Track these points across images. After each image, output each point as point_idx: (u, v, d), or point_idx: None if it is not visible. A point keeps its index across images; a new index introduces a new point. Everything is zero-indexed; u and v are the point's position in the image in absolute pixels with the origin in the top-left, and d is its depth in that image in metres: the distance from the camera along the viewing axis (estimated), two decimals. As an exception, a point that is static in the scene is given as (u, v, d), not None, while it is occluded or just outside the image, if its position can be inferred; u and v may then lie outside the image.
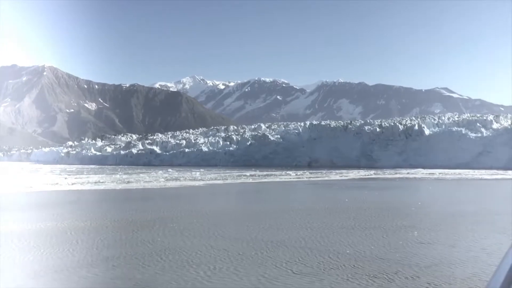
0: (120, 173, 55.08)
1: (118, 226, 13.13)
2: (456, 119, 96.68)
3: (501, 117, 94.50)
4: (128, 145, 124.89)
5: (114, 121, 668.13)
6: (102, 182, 35.74)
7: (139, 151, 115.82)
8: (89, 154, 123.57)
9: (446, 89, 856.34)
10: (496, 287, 1.61)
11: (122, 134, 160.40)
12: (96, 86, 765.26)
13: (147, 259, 8.81)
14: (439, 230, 12.09)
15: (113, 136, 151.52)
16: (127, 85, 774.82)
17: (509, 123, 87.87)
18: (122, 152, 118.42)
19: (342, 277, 7.52)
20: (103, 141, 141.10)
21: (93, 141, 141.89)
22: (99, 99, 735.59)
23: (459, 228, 12.39)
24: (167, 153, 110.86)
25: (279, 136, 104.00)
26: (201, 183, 35.35)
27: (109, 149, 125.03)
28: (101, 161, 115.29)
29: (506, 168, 69.63)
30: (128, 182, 35.88)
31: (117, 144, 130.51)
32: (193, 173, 53.22)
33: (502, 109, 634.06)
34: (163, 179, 39.52)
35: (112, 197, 24.14)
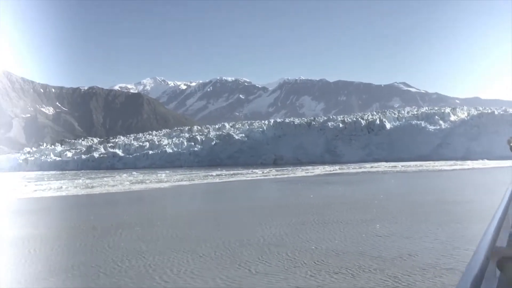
0: (83, 178, 53.80)
1: (80, 232, 12.83)
2: (415, 112, 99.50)
3: (457, 109, 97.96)
4: (89, 149, 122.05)
5: (73, 125, 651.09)
6: (64, 188, 34.88)
7: (101, 155, 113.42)
8: (49, 160, 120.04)
9: (404, 83, 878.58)
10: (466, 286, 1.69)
11: (82, 138, 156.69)
12: (53, 90, 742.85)
13: (108, 266, 8.64)
14: (398, 222, 12.41)
15: (73, 141, 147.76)
16: (86, 88, 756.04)
17: (466, 115, 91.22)
18: (83, 156, 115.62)
19: (303, 275, 7.53)
20: (62, 146, 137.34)
21: (52, 147, 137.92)
22: (57, 103, 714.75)
23: (417, 220, 12.72)
24: (131, 156, 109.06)
25: (243, 135, 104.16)
26: (167, 185, 35.01)
27: (69, 154, 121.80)
28: (62, 166, 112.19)
29: (464, 158, 72.21)
30: (92, 187, 35.11)
31: (77, 149, 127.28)
32: (159, 175, 52.63)
33: (458, 101, 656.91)
34: (128, 183, 38.90)
35: (75, 203, 23.57)
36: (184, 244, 10.44)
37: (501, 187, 21.93)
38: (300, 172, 49.26)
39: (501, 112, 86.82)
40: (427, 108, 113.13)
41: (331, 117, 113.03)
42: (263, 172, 49.81)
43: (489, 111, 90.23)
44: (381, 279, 7.09)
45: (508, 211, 3.86)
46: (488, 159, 66.04)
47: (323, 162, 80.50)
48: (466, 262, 6.80)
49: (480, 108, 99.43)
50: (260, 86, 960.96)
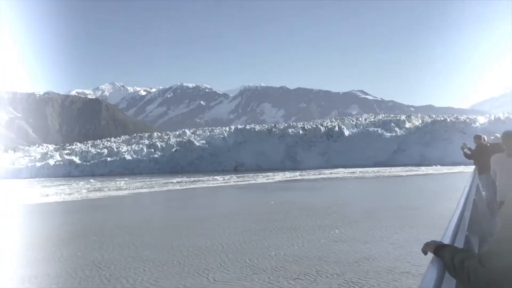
0: (37, 186, 52.03)
1: (32, 243, 12.39)
2: (372, 119, 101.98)
3: (412, 116, 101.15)
4: (45, 156, 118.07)
5: (27, 131, 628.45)
6: (17, 197, 33.61)
7: (57, 162, 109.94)
8: (1, 168, 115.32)
9: (361, 91, 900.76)
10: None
11: (37, 145, 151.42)
12: (6, 95, 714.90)
13: (61, 278, 8.38)
14: (356, 227, 12.67)
15: (27, 148, 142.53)
16: (41, 93, 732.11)
17: (420, 122, 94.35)
18: (38, 164, 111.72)
19: (263, 281, 7.57)
20: (16, 153, 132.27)
21: (5, 154, 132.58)
22: (10, 109, 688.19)
23: (373, 225, 13.01)
24: (88, 163, 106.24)
25: (204, 142, 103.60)
26: (125, 192, 34.34)
27: (23, 161, 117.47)
28: (15, 174, 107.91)
29: (419, 164, 74.58)
30: (47, 195, 33.98)
31: (32, 156, 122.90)
32: (117, 182, 51.55)
33: (413, 109, 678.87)
34: (85, 190, 37.89)
35: (28, 212, 22.75)
36: (142, 253, 10.29)
37: (453, 192, 22.90)
38: (261, 178, 49.47)
39: (453, 120, 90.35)
40: (383, 115, 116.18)
41: (291, 124, 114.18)
42: (224, 179, 49.70)
43: (442, 118, 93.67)
44: (340, 284, 7.22)
45: (464, 214, 4.04)
46: (441, 165, 68.52)
47: (283, 169, 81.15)
48: (420, 266, 7.10)
49: (434, 116, 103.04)
50: (221, 93, 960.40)
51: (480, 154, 10.52)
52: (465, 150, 11.69)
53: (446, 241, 1.99)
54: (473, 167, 11.29)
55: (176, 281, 7.76)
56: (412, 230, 11.90)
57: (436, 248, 2.01)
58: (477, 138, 11.30)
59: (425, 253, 2.10)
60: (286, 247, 10.31)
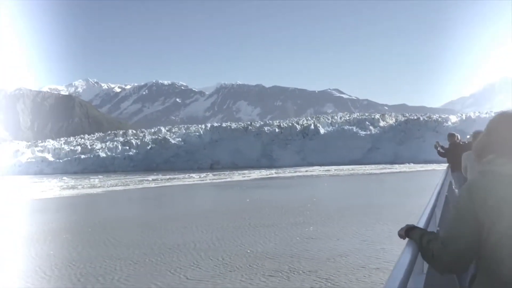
0: (8, 183, 50.82)
1: (4, 243, 12.15)
2: (348, 118, 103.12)
3: (386, 115, 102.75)
4: (16, 153, 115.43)
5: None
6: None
7: (29, 159, 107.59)
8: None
9: (337, 90, 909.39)
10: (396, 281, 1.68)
11: (8, 142, 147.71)
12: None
13: (36, 276, 8.24)
14: (330, 224, 12.82)
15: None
16: (12, 89, 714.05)
17: (394, 121, 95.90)
18: (9, 161, 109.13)
19: (238, 279, 7.59)
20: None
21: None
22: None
23: (347, 222, 13.20)
24: (61, 161, 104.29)
25: (180, 139, 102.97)
26: (100, 190, 33.85)
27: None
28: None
29: (392, 162, 75.91)
30: (19, 193, 33.25)
31: (2, 153, 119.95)
32: (91, 180, 50.76)
33: (387, 108, 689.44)
34: (58, 188, 37.20)
35: (0, 210, 22.26)
36: (116, 251, 10.20)
37: (425, 190, 23.37)
38: (237, 176, 49.48)
39: (426, 119, 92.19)
40: (358, 114, 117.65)
41: (267, 122, 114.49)
42: (200, 177, 49.53)
43: (415, 117, 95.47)
44: (314, 280, 7.31)
45: (435, 211, 4.14)
46: (414, 162, 69.91)
47: (259, 167, 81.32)
48: (392, 262, 7.25)
49: (407, 115, 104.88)
50: (197, 90, 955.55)
51: (453, 152, 10.75)
52: (438, 149, 11.94)
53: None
54: (447, 165, 11.56)
55: (148, 280, 7.70)
56: (384, 227, 12.12)
57: (407, 230, 2.25)
58: (451, 136, 11.55)
59: (402, 237, 2.30)
60: (260, 244, 10.36)
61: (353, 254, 8.99)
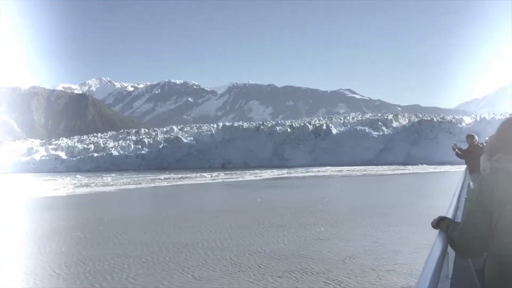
0: (23, 181, 51.43)
1: (15, 238, 12.27)
2: (360, 118, 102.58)
3: (399, 116, 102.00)
4: (30, 151, 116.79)
5: (12, 126, 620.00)
6: (2, 191, 33.18)
7: (43, 157, 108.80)
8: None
9: (349, 90, 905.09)
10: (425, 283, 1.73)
11: (22, 140, 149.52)
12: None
13: (45, 273, 8.27)
14: (341, 225, 12.73)
15: (12, 142, 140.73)
16: (26, 87, 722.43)
17: (407, 121, 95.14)
18: (23, 158, 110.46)
19: (247, 279, 7.53)
20: (0, 148, 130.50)
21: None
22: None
23: (358, 223, 13.08)
24: (74, 159, 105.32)
25: (192, 138, 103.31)
26: (112, 188, 34.09)
27: (7, 156, 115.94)
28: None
29: (405, 163, 75.32)
30: (33, 190, 33.58)
31: (16, 151, 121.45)
32: (104, 178, 51.15)
33: (399, 108, 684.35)
34: (71, 186, 37.54)
35: (14, 208, 22.46)
36: (126, 249, 10.22)
37: (437, 191, 23.10)
38: (248, 176, 49.49)
39: (439, 120, 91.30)
40: (371, 114, 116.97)
41: (279, 121, 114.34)
42: (211, 176, 49.63)
43: (428, 118, 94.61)
44: (324, 282, 7.24)
45: (457, 214, 4.14)
46: (427, 164, 69.25)
47: (271, 166, 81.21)
48: (403, 264, 7.16)
49: (420, 115, 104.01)
50: (209, 90, 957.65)
51: (471, 154, 10.54)
52: (456, 150, 11.70)
53: (440, 241, 2.33)
54: (464, 166, 11.38)
55: (156, 279, 7.69)
56: (395, 228, 11.99)
57: (439, 221, 2.62)
58: (470, 137, 11.29)
59: (434, 228, 2.67)
60: (270, 244, 10.31)
61: (364, 256, 8.89)
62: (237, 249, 9.95)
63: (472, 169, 10.11)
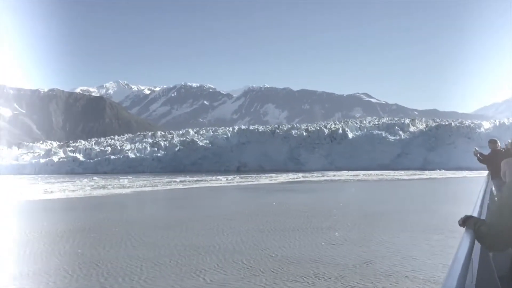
0: (41, 182, 52.23)
1: (31, 239, 12.38)
2: (376, 122, 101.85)
3: (416, 120, 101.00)
4: (48, 153, 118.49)
5: (31, 128, 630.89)
6: (21, 192, 33.70)
7: (61, 159, 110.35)
8: (5, 164, 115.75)
9: (365, 94, 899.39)
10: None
11: (41, 142, 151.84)
12: (11, 91, 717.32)
13: (58, 275, 8.34)
14: (356, 230, 12.61)
15: (31, 144, 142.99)
16: (46, 90, 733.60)
17: (424, 126, 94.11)
18: (41, 160, 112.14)
19: (260, 283, 7.48)
20: (20, 149, 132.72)
21: (9, 149, 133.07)
22: (15, 105, 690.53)
23: (373, 228, 12.95)
24: (91, 161, 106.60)
25: (207, 141, 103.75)
26: (129, 190, 34.41)
27: (27, 158, 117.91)
28: (19, 170, 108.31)
29: (422, 168, 74.48)
30: (51, 192, 34.09)
31: (35, 152, 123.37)
32: (121, 180, 51.66)
33: (416, 113, 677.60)
34: (88, 188, 37.99)
35: (31, 208, 22.76)
36: (140, 251, 10.27)
37: (454, 197, 22.80)
38: (264, 179, 49.49)
39: (458, 124, 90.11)
40: (387, 118, 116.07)
41: (295, 125, 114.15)
42: (227, 179, 49.74)
43: (446, 123, 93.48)
44: (337, 287, 7.19)
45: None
46: (445, 169, 68.38)
47: (286, 170, 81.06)
48: (418, 270, 7.06)
49: (438, 120, 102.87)
50: (224, 93, 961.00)
51: (494, 159, 10.31)
52: (478, 155, 11.45)
53: (464, 247, 2.36)
54: (485, 172, 11.18)
55: (170, 282, 7.69)
56: (411, 234, 11.82)
57: (465, 220, 2.83)
58: (492, 142, 11.03)
59: (461, 226, 2.88)
60: (285, 248, 10.25)
61: (379, 262, 8.78)
62: (250, 252, 9.91)
63: (495, 174, 9.91)
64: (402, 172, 62.93)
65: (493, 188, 9.74)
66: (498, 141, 11.29)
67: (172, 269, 8.56)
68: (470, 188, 31.78)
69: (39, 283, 7.92)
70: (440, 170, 66.53)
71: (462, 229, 2.86)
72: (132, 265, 8.96)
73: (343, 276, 7.84)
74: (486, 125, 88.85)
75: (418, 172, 62.69)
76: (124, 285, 7.62)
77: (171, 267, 8.76)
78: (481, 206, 4.49)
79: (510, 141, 8.08)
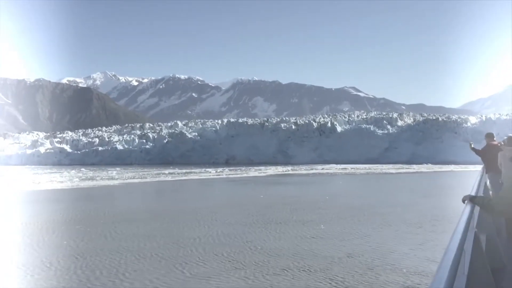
0: (28, 173, 51.76)
1: (12, 231, 12.27)
2: (365, 116, 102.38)
3: (404, 115, 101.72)
4: (35, 143, 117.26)
5: (17, 118, 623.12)
6: (7, 183, 33.41)
7: (48, 150, 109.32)
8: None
9: (353, 88, 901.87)
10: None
11: (27, 132, 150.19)
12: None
13: (36, 268, 8.23)
14: (340, 224, 12.67)
15: (17, 134, 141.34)
16: (32, 80, 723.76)
17: (412, 120, 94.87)
18: (28, 151, 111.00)
19: (242, 276, 7.47)
20: (5, 140, 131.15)
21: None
22: (0, 95, 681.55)
23: (358, 222, 13.03)
24: (79, 152, 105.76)
25: (196, 134, 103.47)
26: (117, 182, 34.26)
27: (13, 148, 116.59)
28: (4, 161, 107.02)
29: (409, 162, 75.16)
30: (38, 183, 33.84)
31: (22, 143, 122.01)
32: (109, 172, 51.36)
33: (404, 107, 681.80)
34: (77, 179, 37.76)
35: (18, 199, 22.47)
36: (123, 244, 10.22)
37: (441, 191, 23.11)
38: (253, 172, 49.59)
39: (445, 119, 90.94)
40: (375, 112, 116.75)
41: (283, 118, 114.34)
42: (216, 171, 49.76)
43: (434, 117, 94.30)
44: (321, 281, 7.20)
45: (474, 213, 4.25)
46: (431, 163, 69.12)
47: (275, 163, 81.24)
48: (400, 263, 7.22)
49: (425, 114, 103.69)
50: (213, 85, 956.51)
51: (488, 152, 10.42)
52: (473, 146, 11.43)
53: (457, 238, 2.46)
54: (481, 166, 11.34)
55: (151, 275, 7.63)
56: (396, 227, 11.94)
57: (472, 198, 3.84)
58: (489, 136, 11.03)
59: (464, 202, 3.88)
60: (268, 241, 10.27)
61: (362, 255, 8.84)
62: (233, 245, 9.88)
63: (489, 167, 10.03)
64: (390, 165, 63.47)
65: (487, 182, 9.86)
66: (495, 136, 11.31)
67: (154, 263, 8.51)
68: (455, 182, 32.25)
69: (16, 276, 7.80)
70: (427, 164, 67.22)
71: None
72: (114, 258, 8.89)
73: (326, 268, 7.86)
74: (473, 120, 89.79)
75: (405, 166, 63.27)
76: (102, 279, 7.52)
77: (153, 260, 8.71)
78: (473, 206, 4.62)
79: (506, 138, 8.28)
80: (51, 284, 7.27)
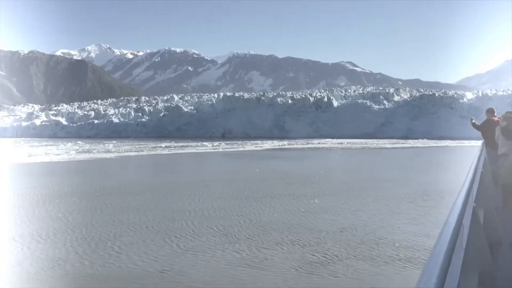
0: (24, 145, 51.61)
1: (12, 203, 12.26)
2: (361, 91, 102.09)
3: (401, 90, 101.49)
4: (30, 116, 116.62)
5: (11, 90, 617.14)
6: (3, 155, 33.32)
7: (43, 123, 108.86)
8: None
9: (350, 63, 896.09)
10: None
11: (22, 105, 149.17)
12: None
13: (31, 240, 8.24)
14: (334, 198, 12.75)
15: (12, 107, 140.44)
16: (26, 52, 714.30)
17: (408, 96, 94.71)
18: (23, 123, 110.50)
19: (234, 250, 7.50)
20: (0, 112, 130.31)
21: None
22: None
23: (352, 196, 13.09)
24: (74, 125, 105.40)
25: (192, 108, 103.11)
26: (114, 155, 34.25)
27: (8, 121, 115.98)
28: (0, 133, 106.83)
29: (405, 137, 75.45)
30: (35, 155, 33.75)
31: (17, 115, 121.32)
32: (106, 145, 51.28)
33: (401, 82, 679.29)
34: (73, 152, 37.68)
35: (14, 171, 22.38)
36: (117, 217, 10.23)
37: (435, 165, 23.20)
38: (249, 146, 49.67)
39: (441, 94, 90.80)
40: (372, 87, 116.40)
41: (280, 93, 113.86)
42: (213, 145, 49.80)
43: (430, 93, 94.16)
44: (314, 254, 7.26)
45: (473, 187, 4.26)
46: (428, 138, 69.39)
47: (271, 137, 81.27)
48: (392, 237, 7.30)
49: (422, 90, 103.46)
50: (209, 59, 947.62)
51: (488, 128, 10.40)
52: (474, 121, 11.36)
53: (455, 212, 2.31)
54: (481, 141, 11.28)
55: (145, 248, 7.66)
56: (388, 202, 12.03)
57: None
58: (489, 112, 10.93)
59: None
60: (261, 215, 10.32)
61: (355, 229, 8.92)
62: (226, 219, 9.90)
63: (488, 142, 10.05)
64: (386, 140, 63.72)
65: (486, 157, 9.88)
66: (496, 111, 11.24)
67: (147, 235, 8.52)
68: (449, 158, 32.46)
69: (12, 248, 7.81)
70: (423, 139, 67.49)
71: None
72: (108, 231, 8.89)
73: (319, 242, 7.92)
74: (469, 95, 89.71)
75: (401, 141, 63.56)
76: (95, 252, 7.53)
77: (147, 233, 8.72)
78: (474, 174, 4.61)
79: (504, 113, 8.35)
80: (46, 255, 7.30)
